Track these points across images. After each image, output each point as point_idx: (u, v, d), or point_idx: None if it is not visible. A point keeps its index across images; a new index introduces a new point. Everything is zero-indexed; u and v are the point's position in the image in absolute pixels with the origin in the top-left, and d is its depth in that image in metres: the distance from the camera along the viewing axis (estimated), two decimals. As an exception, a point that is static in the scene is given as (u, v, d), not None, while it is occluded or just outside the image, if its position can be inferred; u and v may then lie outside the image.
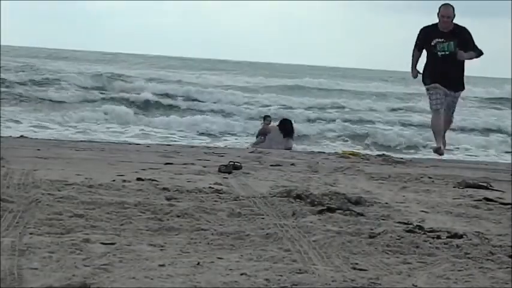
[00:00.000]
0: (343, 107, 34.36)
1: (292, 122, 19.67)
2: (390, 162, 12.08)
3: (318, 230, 5.56)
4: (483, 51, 12.37)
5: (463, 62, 12.36)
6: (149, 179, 7.75)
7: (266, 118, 19.88)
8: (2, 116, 23.62)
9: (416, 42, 12.51)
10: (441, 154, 12.76)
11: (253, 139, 19.93)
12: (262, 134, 18.89)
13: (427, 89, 12.50)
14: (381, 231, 5.60)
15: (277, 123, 19.03)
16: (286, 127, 18.64)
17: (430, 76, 12.37)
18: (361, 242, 5.24)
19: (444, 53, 12.21)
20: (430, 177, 9.62)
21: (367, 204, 6.85)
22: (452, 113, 12.91)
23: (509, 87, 43.22)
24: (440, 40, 12.21)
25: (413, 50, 12.54)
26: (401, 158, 13.47)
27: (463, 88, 12.68)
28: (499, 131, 29.92)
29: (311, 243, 5.16)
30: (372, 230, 5.68)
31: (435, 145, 12.85)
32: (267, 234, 5.35)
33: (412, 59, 12.59)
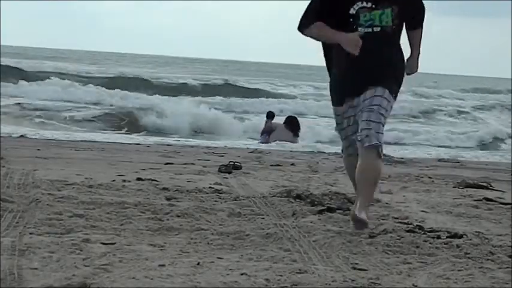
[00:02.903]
0: None
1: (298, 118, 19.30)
2: (390, 162, 12.08)
3: (318, 230, 5.56)
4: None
5: (400, 48, 5.90)
6: (149, 179, 7.76)
7: (269, 115, 19.73)
8: None
9: (312, 5, 5.83)
10: (358, 224, 5.69)
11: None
12: (267, 131, 18.80)
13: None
14: (381, 231, 5.60)
15: (282, 120, 18.89)
16: (293, 124, 18.43)
17: (336, 75, 5.90)
18: (361, 242, 5.25)
19: (372, 29, 5.72)
20: (430, 177, 9.63)
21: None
22: (376, 133, 5.63)
23: None
24: (365, 5, 5.73)
25: (307, 21, 5.80)
26: (402, 158, 13.49)
27: (394, 84, 5.80)
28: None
29: (311, 243, 5.16)
30: (372, 230, 5.69)
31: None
32: (267, 234, 5.35)
33: (325, 33, 5.78)
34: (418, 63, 5.92)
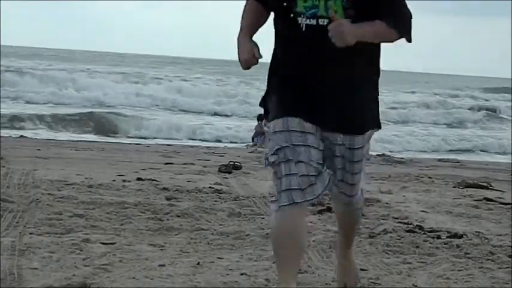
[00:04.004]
0: None
1: None
2: (390, 162, 12.09)
3: (318, 230, 5.56)
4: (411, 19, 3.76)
5: (368, 47, 3.75)
6: (149, 179, 7.76)
7: (260, 117, 19.68)
8: None
9: None
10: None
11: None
12: (260, 133, 18.76)
13: (269, 134, 3.82)
14: (381, 231, 5.61)
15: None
16: None
17: (276, 88, 3.83)
18: (361, 242, 5.25)
19: (316, 21, 3.72)
20: (430, 177, 9.62)
21: (367, 204, 6.84)
22: (354, 195, 3.94)
23: None
24: None
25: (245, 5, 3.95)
26: (402, 158, 13.49)
27: (374, 124, 3.89)
28: None
29: (311, 243, 5.16)
30: (372, 230, 5.69)
31: None
32: (267, 234, 5.35)
33: (242, 21, 3.91)
34: (351, 32, 3.59)
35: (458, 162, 13.99)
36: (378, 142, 18.75)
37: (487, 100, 38.66)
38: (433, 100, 34.75)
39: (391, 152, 16.86)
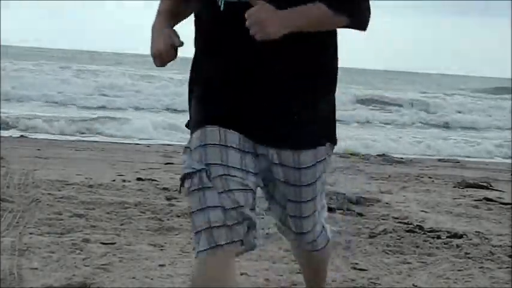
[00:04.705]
0: None
1: None
2: (390, 162, 12.08)
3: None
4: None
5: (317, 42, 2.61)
6: (149, 179, 7.76)
7: None
8: None
9: None
10: None
11: None
12: None
13: (187, 149, 2.65)
14: (381, 231, 5.61)
15: None
16: None
17: (198, 86, 2.74)
18: (361, 242, 5.25)
19: None
20: (430, 177, 9.63)
21: (367, 204, 6.85)
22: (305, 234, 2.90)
23: None
24: None
25: None
26: (402, 158, 13.48)
27: (325, 137, 2.73)
28: None
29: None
30: (372, 230, 5.69)
31: None
32: (267, 234, 5.35)
33: (159, 5, 2.83)
34: (277, 22, 2.48)
35: (458, 162, 13.98)
36: (378, 142, 18.79)
37: (487, 100, 38.68)
38: (432, 100, 34.73)
39: (390, 152, 16.86)
